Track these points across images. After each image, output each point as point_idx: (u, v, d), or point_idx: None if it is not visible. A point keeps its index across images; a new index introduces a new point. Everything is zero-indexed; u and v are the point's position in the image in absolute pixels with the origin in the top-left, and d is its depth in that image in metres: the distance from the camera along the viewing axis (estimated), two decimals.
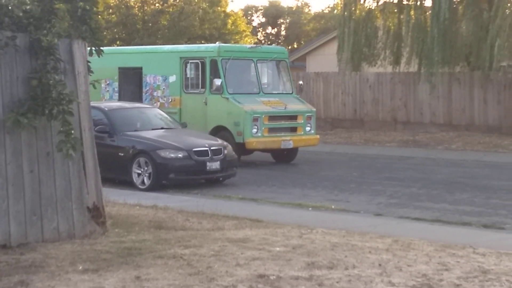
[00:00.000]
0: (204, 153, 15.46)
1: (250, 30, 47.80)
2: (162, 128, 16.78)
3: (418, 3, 23.15)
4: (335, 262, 7.89)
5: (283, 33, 62.73)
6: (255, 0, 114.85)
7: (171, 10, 39.61)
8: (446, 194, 14.58)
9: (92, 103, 10.00)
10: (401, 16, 24.25)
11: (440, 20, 21.48)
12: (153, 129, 16.49)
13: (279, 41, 62.75)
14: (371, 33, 26.22)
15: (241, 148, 18.62)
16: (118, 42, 36.13)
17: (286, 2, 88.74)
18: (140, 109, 17.65)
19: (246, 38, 42.84)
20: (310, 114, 19.77)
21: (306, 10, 64.41)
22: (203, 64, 19.47)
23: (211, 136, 17.86)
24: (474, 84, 25.21)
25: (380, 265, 7.85)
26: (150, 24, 39.23)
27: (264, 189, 15.39)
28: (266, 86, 20.14)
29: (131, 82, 21.27)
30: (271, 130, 18.99)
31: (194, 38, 37.77)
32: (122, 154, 15.58)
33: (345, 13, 25.43)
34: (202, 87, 19.53)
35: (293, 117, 19.51)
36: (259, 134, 18.69)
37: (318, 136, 20.19)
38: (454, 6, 22.95)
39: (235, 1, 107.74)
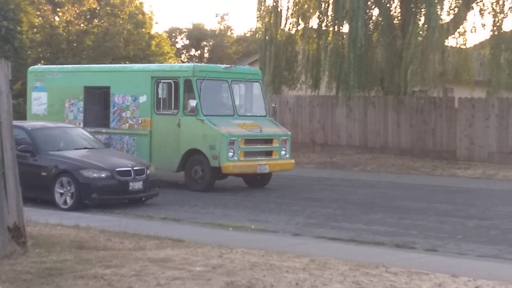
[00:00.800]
0: (127, 173, 15.56)
1: (174, 52, 47.95)
2: (85, 148, 16.81)
3: (336, 29, 23.76)
4: (254, 281, 8.13)
5: (206, 55, 63.07)
6: (179, 22, 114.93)
7: (95, 30, 39.45)
8: (361, 214, 15.04)
9: (15, 122, 10.04)
10: (320, 42, 24.82)
11: (356, 46, 22.13)
12: (76, 149, 16.51)
13: (202, 63, 63.00)
14: (291, 57, 26.79)
15: (216, 173, 18.24)
16: (42, 62, 35.71)
17: (209, 25, 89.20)
18: (64, 129, 17.63)
19: (170, 60, 42.98)
20: (285, 137, 19.19)
21: (229, 33, 64.98)
22: (176, 84, 18.67)
23: (134, 156, 17.95)
24: (388, 108, 25.95)
25: (297, 284, 8.13)
26: (74, 44, 38.98)
27: (186, 209, 15.57)
28: (240, 108, 19.43)
29: (98, 102, 20.54)
30: (247, 154, 18.34)
31: (119, 59, 37.71)
32: (45, 174, 15.54)
33: (266, 37, 25.89)
34: (175, 108, 18.72)
35: (269, 141, 18.91)
36: (235, 158, 18.01)
37: (293, 161, 19.64)
38: (370, 33, 23.65)
39: (159, 23, 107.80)
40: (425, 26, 22.59)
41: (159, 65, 21.45)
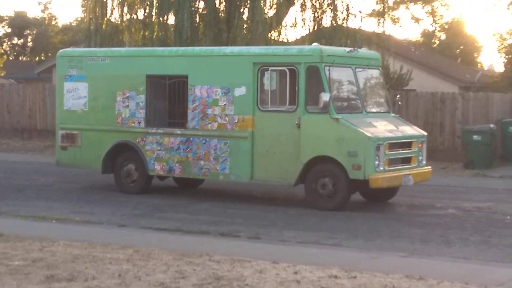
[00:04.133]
0: None
1: None
2: None
3: (162, 20, 23.74)
4: (75, 274, 8.04)
5: (29, 44, 61.03)
6: (0, 10, 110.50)
7: None
8: (188, 204, 15.14)
9: None
10: (146, 33, 24.71)
11: (182, 38, 22.16)
12: None
13: (26, 52, 61.01)
14: (117, 47, 26.39)
15: (358, 187, 14.56)
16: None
17: (32, 13, 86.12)
18: None
19: None
20: (423, 140, 15.33)
21: (54, 22, 63.25)
22: (292, 72, 14.51)
23: None
24: None
25: (119, 275, 8.13)
26: None
27: (7, 202, 15.00)
28: (366, 102, 15.38)
29: (168, 96, 16.09)
30: (391, 162, 14.43)
31: None
32: None
33: (91, 27, 25.40)
34: (291, 104, 14.52)
35: (408, 144, 14.96)
36: (381, 168, 14.09)
37: (430, 168, 15.71)
38: (196, 25, 23.81)
39: None
40: (250, 20, 23.03)
41: (266, 48, 16.51)
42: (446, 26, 48.69)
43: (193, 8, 23.59)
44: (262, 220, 13.39)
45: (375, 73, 15.78)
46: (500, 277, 8.82)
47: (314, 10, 24.17)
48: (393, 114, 15.71)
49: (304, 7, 24.29)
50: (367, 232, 12.31)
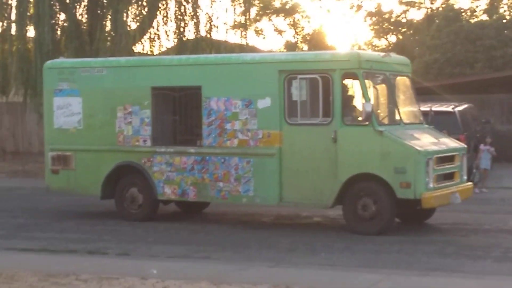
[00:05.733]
0: None
1: None
2: None
3: (21, 32, 23.22)
4: None
5: None
6: None
7: None
8: (54, 222, 14.82)
9: None
10: (5, 47, 24.07)
11: (43, 51, 21.74)
12: None
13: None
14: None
15: (407, 206, 13.00)
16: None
17: None
18: None
19: None
20: (464, 152, 13.94)
21: None
22: (325, 80, 12.91)
23: None
24: None
25: None
26: None
27: None
28: (403, 113, 13.85)
29: (177, 110, 14.48)
30: (438, 178, 12.93)
31: None
32: None
33: None
34: (325, 115, 12.96)
35: (451, 158, 13.49)
36: (431, 186, 12.59)
37: (472, 184, 14.58)
38: (58, 38, 23.40)
39: None
40: (112, 32, 22.85)
41: (293, 54, 14.83)
42: (308, 38, 49.93)
43: (53, 21, 23.19)
44: (131, 236, 13.27)
45: (407, 80, 14.34)
46: (363, 282, 9.14)
47: (177, 22, 24.31)
48: (426, 125, 14.19)
49: (166, 19, 24.42)
50: (236, 243, 12.43)
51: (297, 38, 50.90)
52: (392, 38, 43.51)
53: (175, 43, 24.33)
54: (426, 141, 13.16)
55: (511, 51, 30.49)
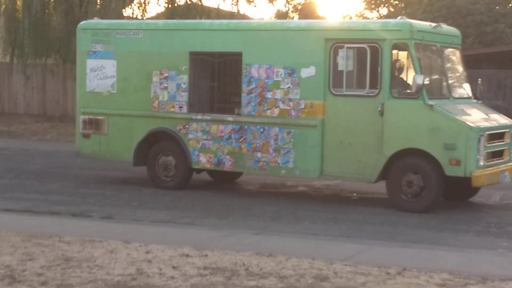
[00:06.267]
0: None
1: None
2: None
3: None
4: None
5: None
6: None
7: None
8: (38, 184, 14.80)
9: None
10: None
11: (32, 12, 21.59)
12: None
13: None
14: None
15: (456, 184, 12.75)
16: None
17: None
18: None
19: None
20: None
21: None
22: (375, 50, 12.44)
23: None
24: (67, 76, 25.77)
25: None
26: None
27: None
28: (453, 86, 13.37)
29: (216, 76, 14.01)
30: (488, 156, 12.43)
31: None
32: None
33: None
34: (372, 87, 12.52)
35: (501, 135, 12.86)
36: (481, 163, 12.12)
37: None
38: None
39: None
40: None
41: (341, 22, 14.47)
42: (299, 7, 49.67)
43: None
44: (116, 200, 13.27)
45: (457, 53, 13.85)
46: (345, 252, 9.18)
47: None
48: (475, 100, 13.68)
49: None
50: (221, 210, 12.45)
51: (288, 8, 50.63)
52: (384, 11, 43.39)
53: (166, 8, 24.15)
54: (477, 116, 12.69)
55: (502, 27, 30.46)
